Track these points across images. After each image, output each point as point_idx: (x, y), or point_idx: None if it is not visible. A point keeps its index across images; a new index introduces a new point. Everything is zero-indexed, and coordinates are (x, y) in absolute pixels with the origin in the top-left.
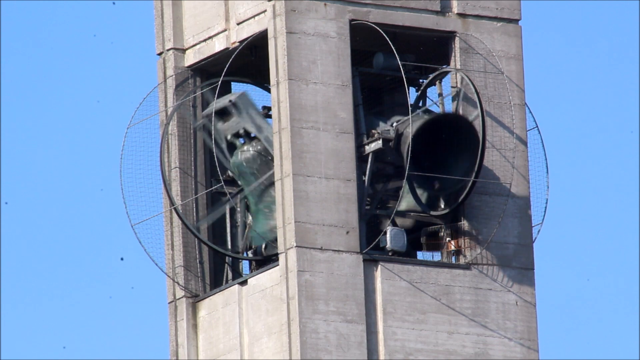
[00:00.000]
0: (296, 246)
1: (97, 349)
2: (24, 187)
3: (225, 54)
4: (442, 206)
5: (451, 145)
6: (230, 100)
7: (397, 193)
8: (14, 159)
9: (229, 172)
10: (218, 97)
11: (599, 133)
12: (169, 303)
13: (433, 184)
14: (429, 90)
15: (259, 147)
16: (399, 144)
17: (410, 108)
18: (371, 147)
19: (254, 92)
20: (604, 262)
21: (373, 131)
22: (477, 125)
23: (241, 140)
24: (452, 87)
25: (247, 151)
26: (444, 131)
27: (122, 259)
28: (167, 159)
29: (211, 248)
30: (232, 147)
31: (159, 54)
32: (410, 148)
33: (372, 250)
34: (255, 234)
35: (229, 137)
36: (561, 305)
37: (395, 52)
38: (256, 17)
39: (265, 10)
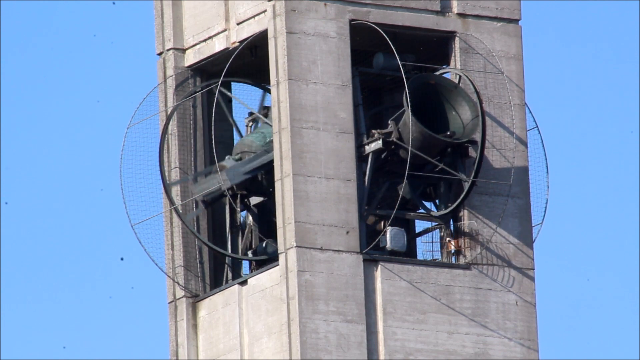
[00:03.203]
0: (296, 246)
1: (97, 349)
2: (24, 187)
3: (225, 54)
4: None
5: (445, 103)
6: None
7: (397, 193)
8: (14, 159)
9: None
10: (218, 97)
11: (599, 133)
12: (169, 303)
13: (439, 130)
14: None
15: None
16: (400, 138)
17: (410, 108)
18: (371, 147)
19: (254, 92)
20: (604, 262)
21: (373, 131)
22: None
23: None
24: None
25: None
26: (433, 94)
27: (122, 259)
28: (167, 159)
29: (211, 248)
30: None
31: (159, 54)
32: (410, 149)
33: (372, 250)
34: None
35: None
36: (561, 305)
37: (395, 52)
38: (256, 17)
39: (265, 10)
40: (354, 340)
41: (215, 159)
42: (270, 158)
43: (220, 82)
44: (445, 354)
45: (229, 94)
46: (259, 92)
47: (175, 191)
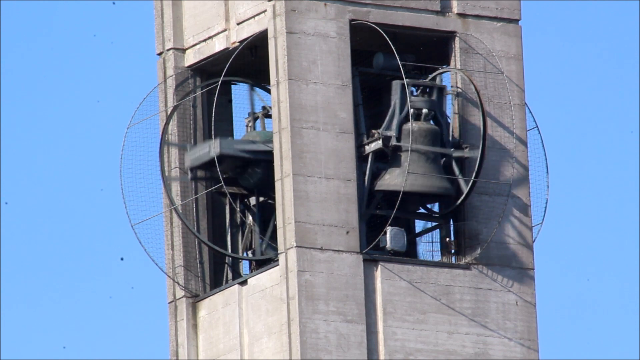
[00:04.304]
0: (296, 246)
1: (97, 349)
2: (24, 187)
3: (225, 54)
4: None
5: None
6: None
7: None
8: (14, 159)
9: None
10: (218, 97)
11: (599, 133)
12: (169, 303)
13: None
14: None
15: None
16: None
17: (410, 108)
18: (371, 147)
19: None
20: (604, 262)
21: (373, 131)
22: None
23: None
24: (452, 87)
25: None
26: None
27: (122, 259)
28: (167, 159)
29: (211, 248)
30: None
31: (159, 54)
32: (410, 149)
33: (372, 250)
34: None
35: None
36: (561, 305)
37: (395, 52)
38: (256, 17)
39: (265, 10)
40: (354, 340)
41: (213, 133)
42: (267, 149)
43: (220, 82)
44: (445, 354)
45: (227, 95)
46: (260, 92)
47: (175, 191)
